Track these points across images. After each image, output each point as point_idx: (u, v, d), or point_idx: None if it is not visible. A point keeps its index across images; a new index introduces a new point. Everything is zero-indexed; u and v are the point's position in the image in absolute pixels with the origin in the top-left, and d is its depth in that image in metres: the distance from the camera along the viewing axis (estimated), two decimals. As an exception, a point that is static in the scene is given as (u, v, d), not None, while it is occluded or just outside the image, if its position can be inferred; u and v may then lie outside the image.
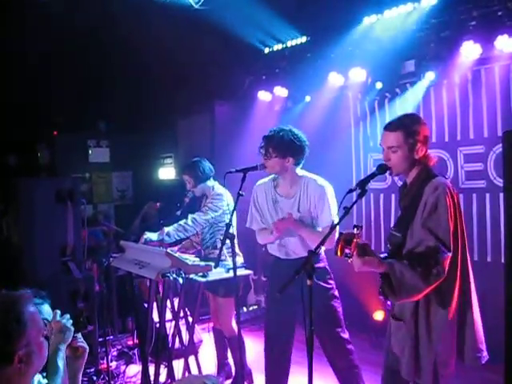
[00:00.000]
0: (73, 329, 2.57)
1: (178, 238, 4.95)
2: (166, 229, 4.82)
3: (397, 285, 2.78)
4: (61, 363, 2.46)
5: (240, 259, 5.02)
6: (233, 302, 4.38)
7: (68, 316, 2.60)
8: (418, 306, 2.94)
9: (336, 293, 4.20)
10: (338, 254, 2.77)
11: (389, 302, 3.19)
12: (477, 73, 5.48)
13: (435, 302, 2.91)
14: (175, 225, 4.89)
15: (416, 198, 3.00)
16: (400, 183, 5.65)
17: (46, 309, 2.66)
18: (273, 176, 4.25)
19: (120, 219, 8.85)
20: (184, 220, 4.91)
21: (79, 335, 2.65)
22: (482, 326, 3.03)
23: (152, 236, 4.85)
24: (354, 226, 2.78)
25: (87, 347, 2.67)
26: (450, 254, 2.82)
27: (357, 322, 5.94)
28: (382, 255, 3.05)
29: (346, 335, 4.20)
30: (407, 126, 3.04)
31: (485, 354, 3.01)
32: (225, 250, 4.15)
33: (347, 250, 2.74)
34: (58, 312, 2.60)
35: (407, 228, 2.99)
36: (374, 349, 5.87)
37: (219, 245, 4.28)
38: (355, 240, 2.74)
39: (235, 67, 7.50)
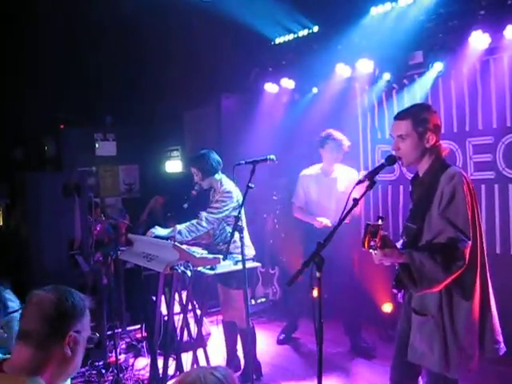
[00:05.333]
0: None
1: (190, 238, 4.91)
2: (179, 226, 4.78)
3: (417, 275, 2.77)
4: None
5: (251, 251, 5.01)
6: (247, 294, 4.33)
7: None
8: (442, 300, 2.92)
9: None
10: (366, 246, 2.73)
11: (399, 296, 3.17)
12: (485, 63, 5.43)
13: (458, 295, 2.90)
14: (188, 223, 4.83)
15: (431, 188, 2.98)
16: (408, 175, 5.66)
17: None
18: None
19: (127, 212, 8.87)
20: (197, 220, 4.85)
21: None
22: (498, 318, 3.02)
23: (162, 232, 4.82)
24: (379, 218, 2.76)
25: None
26: (469, 242, 2.81)
27: (365, 315, 5.94)
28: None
29: None
30: (416, 114, 3.04)
31: (502, 345, 3.01)
32: (238, 242, 4.12)
33: (372, 243, 2.72)
34: None
35: (423, 219, 2.97)
36: (382, 341, 5.87)
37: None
38: (380, 232, 2.71)
39: (241, 59, 7.47)
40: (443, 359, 2.91)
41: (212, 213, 4.88)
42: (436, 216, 2.90)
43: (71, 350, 1.99)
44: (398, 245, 3.12)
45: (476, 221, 2.91)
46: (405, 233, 3.13)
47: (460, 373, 2.92)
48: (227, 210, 4.87)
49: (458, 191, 2.86)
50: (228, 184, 4.98)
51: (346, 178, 5.71)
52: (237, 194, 4.91)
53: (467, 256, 2.79)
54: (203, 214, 4.85)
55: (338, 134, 5.63)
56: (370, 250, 2.75)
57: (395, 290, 2.96)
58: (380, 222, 2.73)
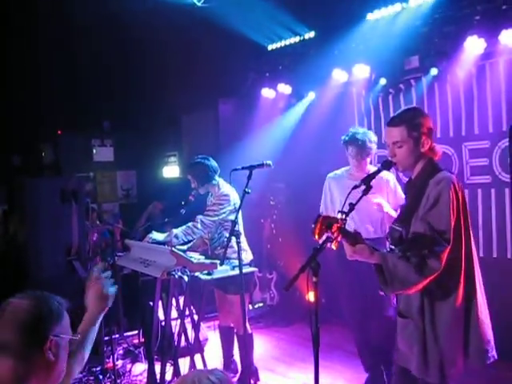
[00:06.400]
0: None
1: (186, 240, 4.91)
2: (175, 231, 4.77)
3: (389, 276, 2.76)
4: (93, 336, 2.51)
5: (249, 256, 5.00)
6: (244, 299, 4.32)
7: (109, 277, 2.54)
8: (424, 303, 2.90)
9: None
10: (316, 236, 2.69)
11: (394, 299, 3.17)
12: (481, 68, 5.45)
13: (440, 299, 2.87)
14: (184, 227, 4.83)
15: (420, 192, 2.96)
16: (404, 179, 5.66)
17: None
18: None
19: (125, 218, 8.86)
20: (192, 223, 4.85)
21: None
22: (490, 326, 2.96)
23: (158, 236, 4.83)
24: (339, 212, 2.74)
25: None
26: (448, 247, 2.77)
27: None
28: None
29: None
30: (410, 119, 3.00)
31: (491, 354, 2.93)
32: (235, 246, 4.13)
33: (329, 234, 2.68)
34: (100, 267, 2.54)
35: (409, 222, 2.95)
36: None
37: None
38: (337, 225, 2.69)
39: (238, 64, 7.49)
40: (422, 363, 2.89)
41: (208, 215, 4.88)
42: (419, 219, 2.89)
43: (53, 354, 1.92)
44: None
45: (461, 227, 2.88)
46: (390, 235, 3.11)
47: (440, 378, 2.86)
48: (224, 212, 4.87)
49: (443, 195, 2.83)
50: (225, 187, 4.98)
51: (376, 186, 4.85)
52: (234, 197, 4.91)
53: (444, 260, 2.75)
54: (199, 217, 4.86)
55: (361, 134, 4.80)
56: (328, 242, 2.69)
57: (382, 292, 2.95)
58: (339, 215, 2.71)
